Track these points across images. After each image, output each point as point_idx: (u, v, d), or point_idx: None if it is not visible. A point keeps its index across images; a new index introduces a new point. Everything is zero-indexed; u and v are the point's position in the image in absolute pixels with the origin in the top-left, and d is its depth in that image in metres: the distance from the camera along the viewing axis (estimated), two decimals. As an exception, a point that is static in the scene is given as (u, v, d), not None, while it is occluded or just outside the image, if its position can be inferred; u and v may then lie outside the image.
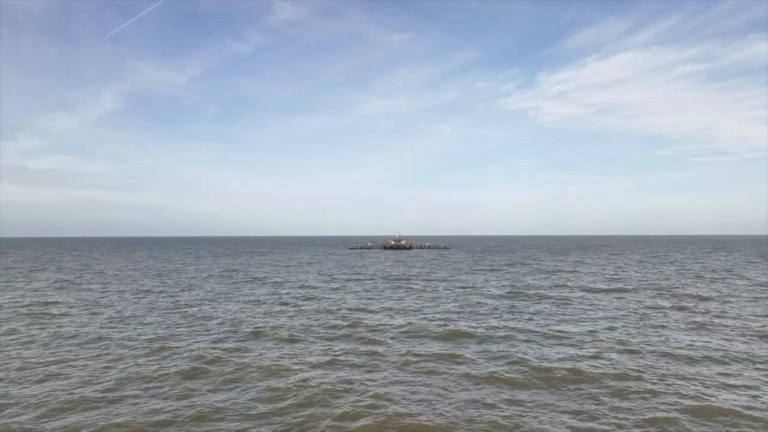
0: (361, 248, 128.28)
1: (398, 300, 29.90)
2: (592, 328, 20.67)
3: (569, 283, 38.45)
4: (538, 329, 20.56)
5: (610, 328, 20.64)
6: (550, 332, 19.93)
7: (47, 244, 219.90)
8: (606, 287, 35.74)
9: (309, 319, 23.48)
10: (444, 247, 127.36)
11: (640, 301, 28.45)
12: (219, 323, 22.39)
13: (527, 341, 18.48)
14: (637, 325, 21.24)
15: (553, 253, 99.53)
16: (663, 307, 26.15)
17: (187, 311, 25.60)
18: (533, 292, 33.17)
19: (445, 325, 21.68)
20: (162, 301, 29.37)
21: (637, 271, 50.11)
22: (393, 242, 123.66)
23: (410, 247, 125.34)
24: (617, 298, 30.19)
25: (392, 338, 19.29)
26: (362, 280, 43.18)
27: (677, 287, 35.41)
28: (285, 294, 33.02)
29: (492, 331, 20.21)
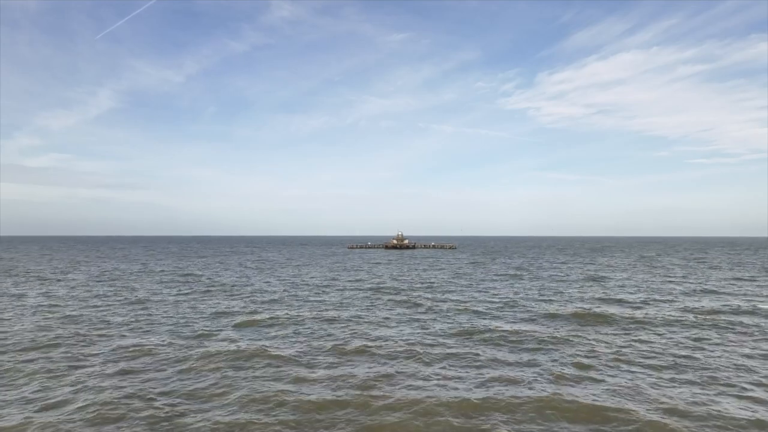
0: (361, 248, 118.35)
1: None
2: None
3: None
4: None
5: None
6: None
7: (36, 242, 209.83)
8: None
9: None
10: (450, 247, 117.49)
11: None
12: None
13: None
14: None
15: (572, 254, 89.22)
16: None
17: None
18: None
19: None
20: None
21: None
22: (395, 241, 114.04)
23: (413, 247, 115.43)
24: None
25: None
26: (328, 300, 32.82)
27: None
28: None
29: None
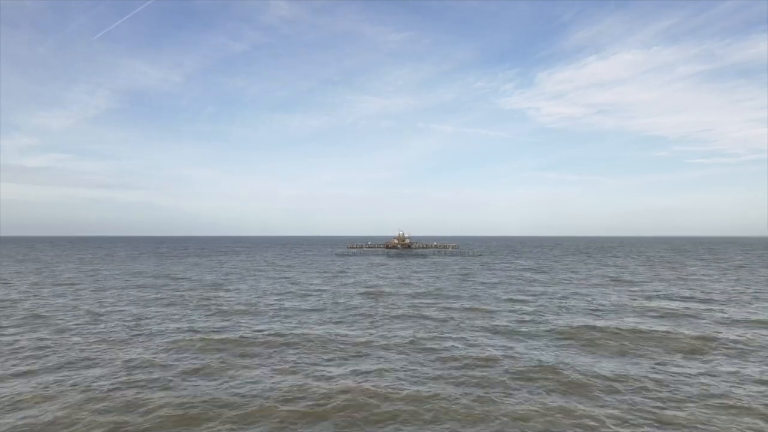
0: (361, 248, 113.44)
1: None
2: None
3: None
4: None
5: None
6: None
7: (30, 242, 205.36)
8: None
9: None
10: (453, 247, 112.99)
11: None
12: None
13: None
14: None
15: (578, 254, 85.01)
16: None
17: None
18: None
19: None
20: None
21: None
22: (396, 241, 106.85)
23: (415, 247, 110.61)
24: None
25: None
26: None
27: None
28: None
29: None
